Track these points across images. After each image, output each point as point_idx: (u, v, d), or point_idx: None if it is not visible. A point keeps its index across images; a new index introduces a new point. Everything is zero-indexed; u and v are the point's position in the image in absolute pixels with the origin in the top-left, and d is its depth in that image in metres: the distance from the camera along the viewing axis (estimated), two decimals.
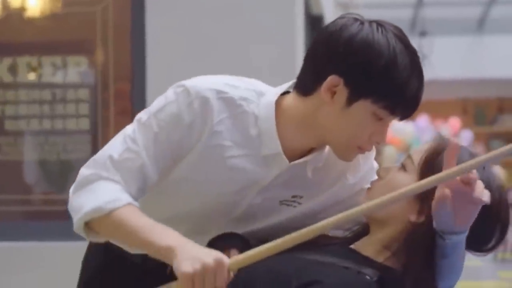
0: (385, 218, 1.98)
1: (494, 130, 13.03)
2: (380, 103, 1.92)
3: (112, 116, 4.47)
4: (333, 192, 2.12)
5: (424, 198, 1.91)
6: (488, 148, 12.93)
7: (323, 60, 1.95)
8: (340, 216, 1.83)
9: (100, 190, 1.92)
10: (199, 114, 1.98)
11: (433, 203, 1.84)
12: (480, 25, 11.72)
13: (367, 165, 2.14)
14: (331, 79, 1.92)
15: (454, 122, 11.39)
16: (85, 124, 4.46)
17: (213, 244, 2.03)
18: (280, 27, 4.28)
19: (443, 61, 10.92)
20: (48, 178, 4.65)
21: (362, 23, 1.94)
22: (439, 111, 11.75)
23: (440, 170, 1.86)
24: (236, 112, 2.01)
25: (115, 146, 1.98)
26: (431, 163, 1.95)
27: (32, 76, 4.56)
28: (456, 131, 11.29)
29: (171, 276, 2.01)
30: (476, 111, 13.01)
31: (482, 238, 1.96)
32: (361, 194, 2.08)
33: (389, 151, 10.69)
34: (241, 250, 1.93)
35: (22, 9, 4.59)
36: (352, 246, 2.02)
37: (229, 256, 1.89)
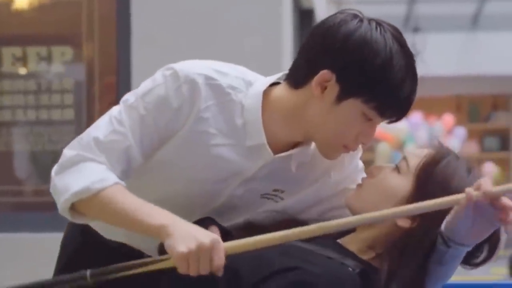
0: None
1: (488, 127, 13.00)
2: (371, 104, 1.89)
3: (97, 106, 4.46)
4: (315, 189, 2.10)
5: None
6: (482, 145, 12.93)
7: (318, 54, 1.92)
8: (333, 223, 1.83)
9: (86, 171, 1.89)
10: (187, 99, 1.95)
11: (457, 209, 1.81)
12: (474, 22, 11.72)
13: (352, 164, 2.11)
14: (323, 73, 1.90)
15: (448, 119, 11.36)
16: (70, 114, 4.46)
17: (198, 222, 1.97)
18: (266, 20, 4.28)
19: (436, 57, 10.88)
20: (33, 168, 4.63)
21: (361, 20, 1.91)
22: (433, 108, 11.73)
23: (438, 181, 1.87)
24: (223, 100, 1.98)
25: (100, 127, 1.95)
26: (429, 171, 1.92)
27: (17, 67, 4.54)
28: (450, 128, 11.27)
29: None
30: (470, 108, 12.99)
31: (471, 253, 1.92)
32: (344, 194, 2.05)
33: (383, 148, 10.67)
34: (221, 233, 1.91)
35: (8, 1, 4.57)
36: (338, 240, 1.99)
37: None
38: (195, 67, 1.98)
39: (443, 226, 1.85)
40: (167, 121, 1.96)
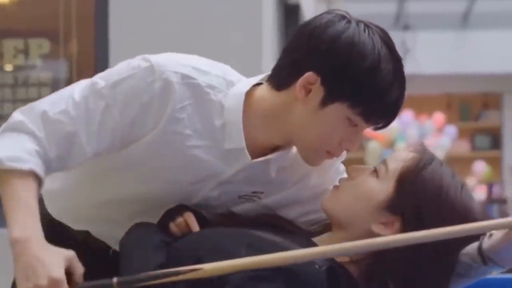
0: (344, 221, 1.89)
1: (479, 126, 12.94)
2: (357, 109, 1.83)
3: None
4: (295, 191, 2.04)
5: (397, 211, 1.82)
6: (473, 144, 12.92)
7: (302, 55, 1.85)
8: (310, 251, 1.77)
9: (18, 143, 1.79)
10: (158, 96, 1.86)
11: (510, 233, 1.75)
12: (465, 20, 11.68)
13: (334, 167, 2.05)
14: (308, 76, 1.83)
15: (439, 117, 11.33)
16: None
17: (168, 212, 1.95)
18: (247, 15, 4.22)
19: (427, 56, 10.86)
20: None
21: (349, 21, 1.85)
22: (423, 106, 11.71)
23: (422, 188, 1.81)
24: (201, 100, 1.89)
25: (54, 102, 1.86)
26: (413, 177, 1.85)
27: None
28: (440, 126, 11.23)
29: (114, 257, 1.97)
30: (460, 106, 12.97)
31: None
32: (323, 197, 1.99)
33: (373, 147, 10.64)
34: (197, 219, 1.90)
35: None
36: (313, 239, 1.94)
37: (188, 221, 1.86)
38: (172, 64, 1.90)
39: (486, 245, 1.79)
40: (134, 116, 1.87)
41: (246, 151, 1.91)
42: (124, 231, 1.95)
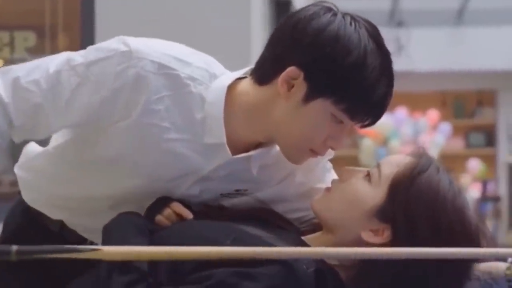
0: (333, 225, 1.82)
1: (474, 123, 12.90)
2: (341, 105, 1.75)
3: None
4: (280, 188, 1.96)
5: (388, 219, 1.74)
6: (467, 141, 12.89)
7: (285, 48, 1.77)
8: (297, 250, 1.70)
9: None
10: (130, 84, 1.79)
11: None
12: (459, 17, 11.64)
13: (320, 164, 1.98)
14: (291, 70, 1.75)
15: (433, 114, 11.27)
16: None
17: (153, 206, 1.91)
18: (235, 10, 4.18)
19: (421, 52, 10.83)
20: None
21: (335, 14, 1.77)
22: (418, 103, 11.67)
23: (413, 198, 1.71)
24: (180, 91, 1.82)
25: (31, 69, 1.83)
26: (404, 186, 1.76)
27: None
28: (434, 123, 11.18)
29: None
30: (455, 103, 12.94)
31: None
32: (310, 194, 1.91)
33: (366, 144, 10.60)
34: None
35: None
36: (303, 238, 1.86)
37: (177, 211, 1.83)
38: (152, 53, 1.83)
39: None
40: (103, 100, 1.81)
41: (226, 146, 1.84)
42: (102, 222, 1.89)
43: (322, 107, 1.78)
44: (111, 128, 1.85)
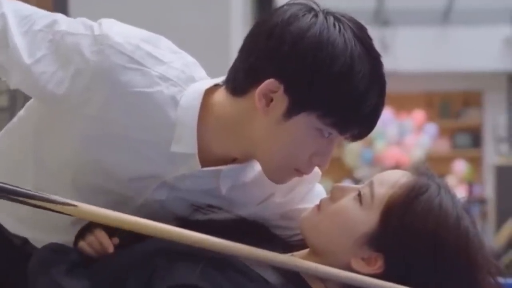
0: (321, 249, 1.63)
1: (459, 124, 12.86)
2: (328, 119, 1.56)
3: None
4: (256, 210, 1.77)
5: (381, 248, 1.57)
6: (453, 142, 12.85)
7: (261, 57, 1.58)
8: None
9: None
10: (92, 70, 1.66)
11: None
12: (445, 16, 11.59)
13: (303, 185, 1.79)
14: (268, 83, 1.56)
15: (419, 115, 11.19)
16: (3, 100, 4.28)
17: (81, 230, 1.78)
18: (214, 3, 4.05)
19: (406, 52, 10.83)
20: None
21: (316, 15, 1.57)
22: (403, 104, 11.57)
23: (409, 226, 1.54)
24: (147, 90, 1.65)
25: (22, 7, 1.79)
26: (399, 211, 1.57)
27: None
28: (420, 124, 11.10)
29: None
30: (441, 104, 12.91)
31: None
32: (291, 216, 1.75)
33: (351, 146, 10.46)
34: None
35: None
36: (293, 254, 1.68)
37: (100, 240, 1.71)
38: (125, 44, 1.68)
39: None
40: (64, 77, 1.71)
41: (197, 157, 1.67)
42: (66, 238, 1.76)
43: (306, 122, 1.59)
44: (72, 116, 1.72)
